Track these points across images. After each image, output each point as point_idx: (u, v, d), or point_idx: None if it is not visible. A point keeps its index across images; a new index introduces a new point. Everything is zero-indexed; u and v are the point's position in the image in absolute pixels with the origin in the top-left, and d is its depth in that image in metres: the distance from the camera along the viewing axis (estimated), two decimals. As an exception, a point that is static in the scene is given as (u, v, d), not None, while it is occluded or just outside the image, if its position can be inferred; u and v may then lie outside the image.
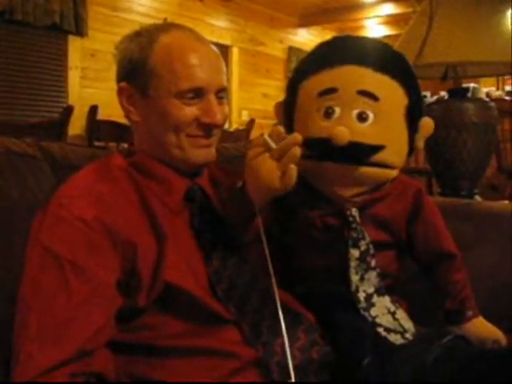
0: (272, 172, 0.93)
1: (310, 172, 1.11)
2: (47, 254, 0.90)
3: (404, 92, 1.09)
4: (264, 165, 0.94)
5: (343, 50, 1.12)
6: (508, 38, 2.13)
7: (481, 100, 2.46)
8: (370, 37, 1.23)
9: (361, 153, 1.04)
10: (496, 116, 2.25)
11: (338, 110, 1.05)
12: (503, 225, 1.48)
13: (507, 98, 5.14)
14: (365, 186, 1.11)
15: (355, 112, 1.04)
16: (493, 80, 7.21)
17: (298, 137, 0.92)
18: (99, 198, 0.97)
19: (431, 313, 1.18)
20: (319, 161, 1.06)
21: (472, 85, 4.63)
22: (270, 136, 0.95)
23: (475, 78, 4.40)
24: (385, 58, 1.11)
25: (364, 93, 1.05)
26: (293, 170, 0.92)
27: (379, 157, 1.05)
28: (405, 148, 1.11)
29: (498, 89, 6.90)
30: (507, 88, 6.75)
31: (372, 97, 1.05)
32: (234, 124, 6.93)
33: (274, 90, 7.81)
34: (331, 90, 1.06)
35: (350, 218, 1.10)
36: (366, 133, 1.04)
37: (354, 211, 1.10)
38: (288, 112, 1.17)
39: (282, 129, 0.97)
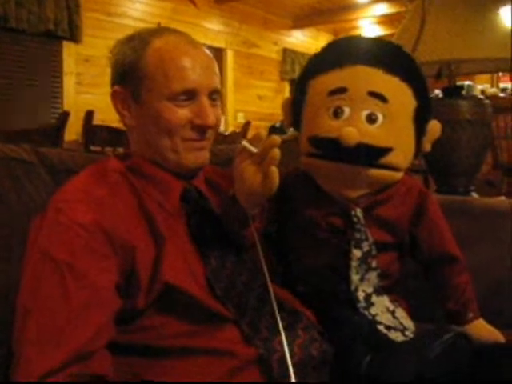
0: (254, 176, 0.94)
1: (316, 171, 1.11)
2: (45, 258, 0.90)
3: (413, 94, 1.09)
4: (247, 170, 0.95)
5: (354, 50, 1.11)
6: (500, 35, 2.14)
7: (475, 97, 2.47)
8: (381, 38, 1.22)
9: (369, 154, 1.04)
10: (490, 113, 2.25)
11: (347, 110, 1.05)
12: (499, 221, 1.49)
13: (502, 94, 5.16)
14: (371, 188, 1.11)
15: (365, 113, 1.04)
16: (487, 77, 7.24)
17: (275, 139, 0.91)
18: (96, 201, 0.97)
19: (431, 311, 1.19)
20: (327, 160, 1.06)
21: (467, 82, 4.64)
22: (251, 141, 0.96)
23: (469, 75, 4.41)
24: (396, 60, 1.10)
25: (374, 94, 1.05)
26: (274, 172, 0.91)
27: (387, 159, 1.05)
28: (412, 150, 1.11)
29: (492, 86, 6.93)
30: (502, 85, 6.78)
31: (382, 98, 1.05)
32: (231, 127, 6.94)
33: (269, 91, 7.83)
34: (341, 90, 1.06)
35: (355, 219, 1.10)
36: (374, 134, 1.03)
37: (359, 212, 1.10)
38: (296, 109, 1.17)
39: (262, 133, 0.97)
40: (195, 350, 0.94)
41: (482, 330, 1.13)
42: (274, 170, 0.91)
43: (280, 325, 0.95)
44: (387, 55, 1.11)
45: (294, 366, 0.91)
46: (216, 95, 1.10)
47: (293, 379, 0.89)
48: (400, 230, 1.14)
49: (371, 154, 1.04)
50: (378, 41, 1.16)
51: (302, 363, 0.95)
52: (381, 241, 1.11)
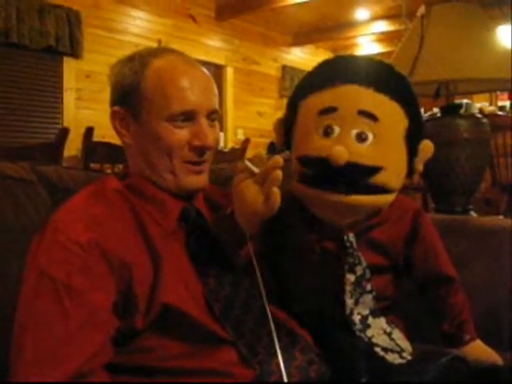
0: (256, 196, 0.94)
1: (306, 199, 1.11)
2: (43, 277, 0.90)
3: (404, 114, 1.07)
4: (248, 190, 0.95)
5: (345, 70, 1.10)
6: (498, 54, 2.15)
7: (473, 116, 2.47)
8: (373, 57, 1.20)
9: (358, 174, 1.02)
10: (488, 131, 2.26)
11: (337, 129, 1.03)
12: (498, 241, 1.48)
13: (500, 113, 5.18)
14: (363, 214, 1.10)
15: (354, 132, 1.02)
16: (486, 95, 7.27)
17: (279, 160, 0.92)
18: (95, 221, 0.98)
19: (428, 332, 1.17)
20: (315, 187, 1.05)
21: (465, 101, 4.66)
22: (253, 161, 0.96)
23: (467, 94, 4.43)
24: (386, 79, 1.09)
25: (364, 113, 1.03)
26: (276, 193, 0.92)
27: (377, 178, 1.03)
28: (403, 170, 1.10)
29: (491, 104, 6.95)
30: (500, 103, 6.81)
31: (372, 117, 1.03)
32: (230, 143, 6.95)
33: (269, 108, 7.86)
34: (331, 109, 1.05)
35: (347, 244, 1.10)
36: (364, 153, 1.02)
37: (352, 237, 1.10)
38: (287, 129, 1.16)
39: (264, 153, 0.97)
40: (193, 372, 0.94)
41: (480, 351, 1.12)
42: (276, 191, 0.92)
43: (278, 346, 0.95)
44: (378, 74, 1.10)
45: (291, 388, 0.91)
46: (214, 115, 1.11)
47: None
48: (394, 252, 1.14)
49: (360, 173, 1.02)
50: (369, 60, 1.15)
51: None
52: (375, 264, 1.11)
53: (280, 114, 7.87)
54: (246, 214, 0.98)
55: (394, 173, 1.07)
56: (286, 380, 0.91)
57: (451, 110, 2.33)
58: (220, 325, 0.98)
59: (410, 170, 1.11)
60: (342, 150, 0.99)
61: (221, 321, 0.98)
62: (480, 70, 2.12)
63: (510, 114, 4.98)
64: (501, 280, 1.40)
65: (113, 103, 1.11)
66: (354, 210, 1.08)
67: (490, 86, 2.49)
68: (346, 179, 1.01)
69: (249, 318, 1.02)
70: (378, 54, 7.84)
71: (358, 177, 1.03)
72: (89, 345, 0.88)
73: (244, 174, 0.97)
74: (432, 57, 2.16)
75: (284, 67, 8.09)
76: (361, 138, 1.03)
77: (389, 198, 1.08)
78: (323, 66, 1.15)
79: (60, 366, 0.85)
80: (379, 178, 1.03)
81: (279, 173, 0.91)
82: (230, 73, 7.28)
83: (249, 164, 0.95)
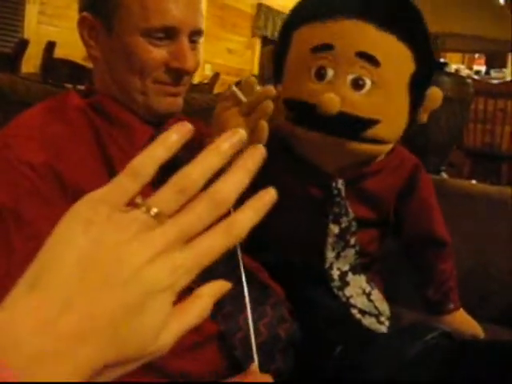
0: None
1: (294, 138, 1.00)
2: None
3: (412, 57, 0.93)
4: (232, 120, 0.86)
5: None
6: (494, 15, 2.07)
7: (458, 76, 2.41)
8: None
9: (350, 126, 0.91)
10: (471, 93, 2.20)
11: (330, 72, 0.90)
12: (475, 205, 1.46)
13: (475, 77, 5.15)
14: (354, 160, 0.99)
15: (350, 77, 0.90)
16: (459, 58, 7.24)
17: (271, 90, 0.82)
18: (51, 140, 0.86)
19: (406, 294, 1.12)
20: (304, 128, 0.94)
21: (441, 60, 4.60)
22: (241, 87, 0.85)
23: (455, 52, 4.38)
24: (394, 13, 0.94)
25: (363, 55, 0.89)
26: (263, 127, 0.82)
27: (372, 132, 0.92)
28: (403, 122, 0.98)
29: (464, 67, 6.93)
30: (476, 67, 6.77)
31: (372, 60, 0.90)
32: (197, 77, 6.76)
33: (240, 45, 7.67)
34: (326, 47, 0.91)
35: (335, 191, 0.99)
36: (359, 103, 0.90)
37: (341, 184, 0.99)
38: (278, 62, 1.02)
39: (254, 80, 0.85)
40: None
41: (461, 321, 1.07)
42: (264, 124, 0.82)
43: (247, 300, 0.85)
44: (383, 6, 0.93)
45: (258, 347, 0.82)
46: (197, 37, 0.97)
47: (256, 361, 0.80)
48: (385, 206, 1.04)
49: (353, 126, 0.91)
50: None
51: (268, 344, 0.86)
52: (362, 216, 1.01)
53: (250, 53, 7.70)
54: None
55: (391, 125, 0.95)
56: (253, 338, 0.82)
57: (437, 66, 2.25)
58: None
59: (411, 121, 0.99)
60: (334, 97, 0.87)
61: None
62: (473, 28, 2.03)
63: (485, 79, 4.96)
64: (476, 245, 1.39)
65: (82, 8, 0.96)
66: (344, 155, 0.97)
67: (479, 46, 2.41)
68: (335, 130, 0.90)
69: (216, 266, 0.92)
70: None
71: (349, 129, 0.91)
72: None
73: (229, 101, 0.86)
74: (425, 8, 2.05)
75: (260, 5, 7.85)
76: (357, 84, 0.90)
77: (383, 149, 0.98)
78: None
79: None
80: (374, 132, 0.92)
81: (270, 104, 0.81)
82: (202, 4, 7.01)
83: (236, 90, 0.84)
